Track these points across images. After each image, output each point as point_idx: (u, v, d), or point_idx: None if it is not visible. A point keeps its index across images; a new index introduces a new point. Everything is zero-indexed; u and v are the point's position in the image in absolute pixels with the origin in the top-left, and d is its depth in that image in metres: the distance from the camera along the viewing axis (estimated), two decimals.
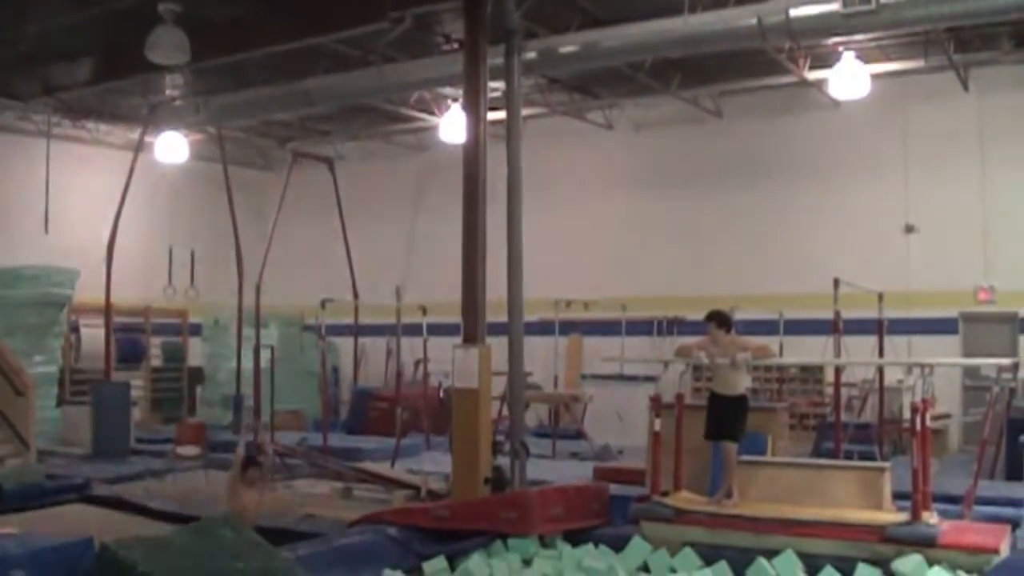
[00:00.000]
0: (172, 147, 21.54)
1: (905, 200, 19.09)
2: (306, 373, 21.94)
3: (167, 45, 14.95)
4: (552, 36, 15.79)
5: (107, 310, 19.03)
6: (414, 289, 19.38)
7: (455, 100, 19.50)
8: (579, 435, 18.65)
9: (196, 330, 23.98)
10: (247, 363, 19.44)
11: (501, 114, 13.71)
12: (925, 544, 9.01)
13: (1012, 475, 12.33)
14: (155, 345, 23.70)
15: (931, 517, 9.36)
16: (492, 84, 13.50)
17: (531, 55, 15.11)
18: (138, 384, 21.76)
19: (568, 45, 15.75)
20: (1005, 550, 9.04)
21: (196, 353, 24.00)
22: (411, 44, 16.44)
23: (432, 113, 21.40)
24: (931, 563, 8.83)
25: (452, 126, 19.84)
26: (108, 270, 18.76)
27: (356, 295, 21.07)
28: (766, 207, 20.39)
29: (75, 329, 21.47)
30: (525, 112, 17.05)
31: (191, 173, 23.84)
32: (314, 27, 15.33)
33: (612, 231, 21.91)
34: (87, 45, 17.20)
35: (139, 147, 19.98)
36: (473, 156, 12.63)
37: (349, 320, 20.94)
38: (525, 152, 13.02)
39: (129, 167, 19.46)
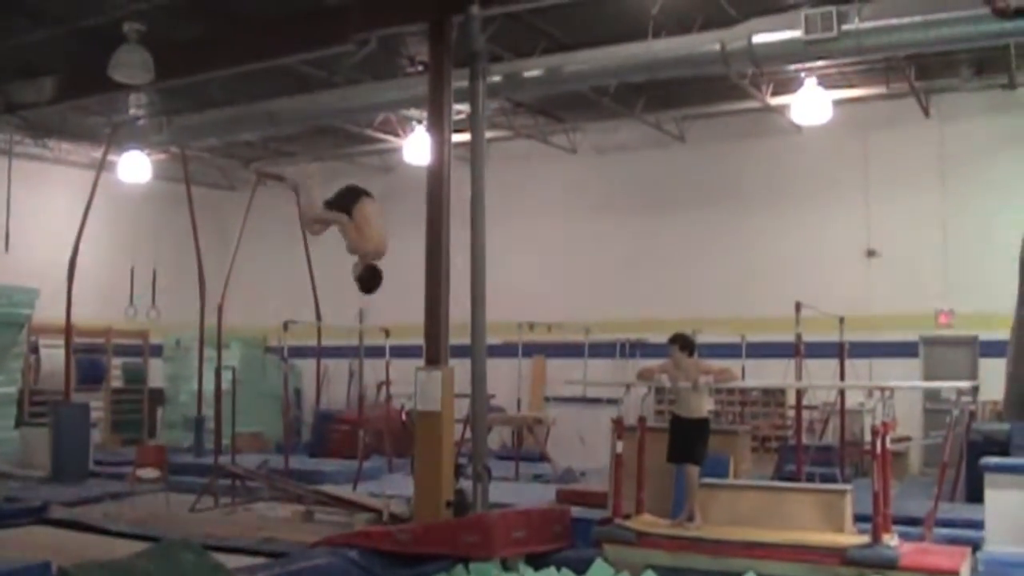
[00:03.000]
0: (135, 166, 21.43)
1: (867, 224, 19.26)
2: (268, 395, 21.82)
3: (131, 64, 14.86)
4: (517, 60, 15.88)
5: (67, 330, 18.85)
6: (377, 311, 19.29)
7: (420, 122, 19.51)
8: (542, 458, 18.65)
9: (157, 351, 23.84)
10: (208, 385, 19.31)
11: (465, 136, 13.76)
12: (886, 566, 9.06)
13: (972, 497, 12.38)
14: (116, 366, 23.53)
15: (892, 539, 9.40)
16: (457, 107, 13.54)
17: (496, 78, 15.13)
18: (98, 405, 21.57)
19: (533, 69, 15.82)
20: (965, 572, 9.10)
21: (157, 374, 23.83)
22: (376, 66, 16.47)
23: (396, 135, 21.41)
24: None
25: (416, 148, 19.84)
26: (69, 290, 18.60)
27: (319, 317, 20.97)
28: (729, 231, 20.51)
29: (35, 349, 21.30)
30: (489, 135, 17.09)
31: (154, 193, 23.69)
32: (279, 48, 15.31)
33: (575, 254, 21.97)
34: (50, 63, 17.09)
35: (102, 166, 19.86)
36: (437, 178, 12.66)
37: (312, 342, 20.83)
38: (489, 175, 13.03)
39: (91, 186, 19.35)
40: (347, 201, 9.37)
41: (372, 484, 15.88)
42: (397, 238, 23.34)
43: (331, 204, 9.44)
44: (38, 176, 22.77)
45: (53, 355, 20.69)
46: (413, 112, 19.51)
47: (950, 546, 9.96)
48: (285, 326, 16.43)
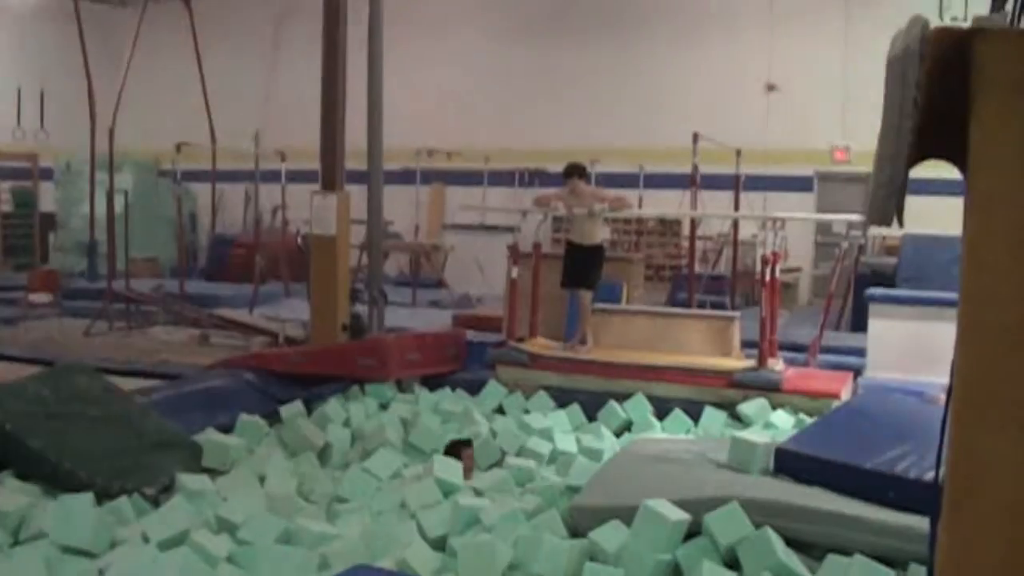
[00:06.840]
0: None
1: (768, 58, 19.22)
2: (162, 219, 21.46)
3: None
4: None
5: None
6: (273, 134, 19.01)
7: None
8: (439, 284, 18.75)
9: (48, 175, 23.25)
10: (101, 209, 18.96)
11: None
12: (770, 389, 9.37)
13: (857, 327, 12.78)
14: (4, 190, 22.95)
15: (777, 364, 9.70)
16: None
17: None
18: None
19: None
20: (846, 395, 9.43)
21: (48, 198, 23.32)
22: None
23: None
24: (775, 406, 9.19)
25: None
26: None
27: (214, 139, 20.58)
28: (630, 59, 20.35)
29: None
30: None
31: (40, 7, 22.74)
32: None
33: (476, 80, 21.66)
34: None
35: None
36: None
37: (206, 165, 20.49)
38: None
39: None
40: None
41: (268, 308, 15.86)
42: (294, 58, 23.03)
43: None
44: None
45: None
46: None
47: (833, 371, 10.30)
48: (178, 148, 16.13)
